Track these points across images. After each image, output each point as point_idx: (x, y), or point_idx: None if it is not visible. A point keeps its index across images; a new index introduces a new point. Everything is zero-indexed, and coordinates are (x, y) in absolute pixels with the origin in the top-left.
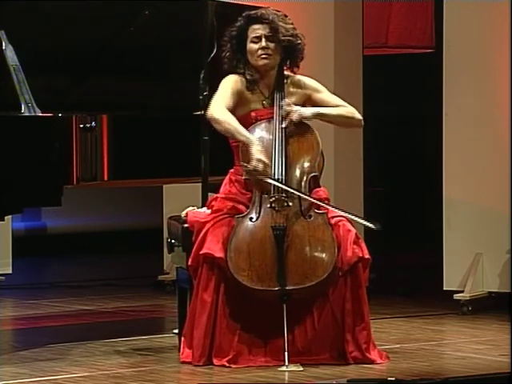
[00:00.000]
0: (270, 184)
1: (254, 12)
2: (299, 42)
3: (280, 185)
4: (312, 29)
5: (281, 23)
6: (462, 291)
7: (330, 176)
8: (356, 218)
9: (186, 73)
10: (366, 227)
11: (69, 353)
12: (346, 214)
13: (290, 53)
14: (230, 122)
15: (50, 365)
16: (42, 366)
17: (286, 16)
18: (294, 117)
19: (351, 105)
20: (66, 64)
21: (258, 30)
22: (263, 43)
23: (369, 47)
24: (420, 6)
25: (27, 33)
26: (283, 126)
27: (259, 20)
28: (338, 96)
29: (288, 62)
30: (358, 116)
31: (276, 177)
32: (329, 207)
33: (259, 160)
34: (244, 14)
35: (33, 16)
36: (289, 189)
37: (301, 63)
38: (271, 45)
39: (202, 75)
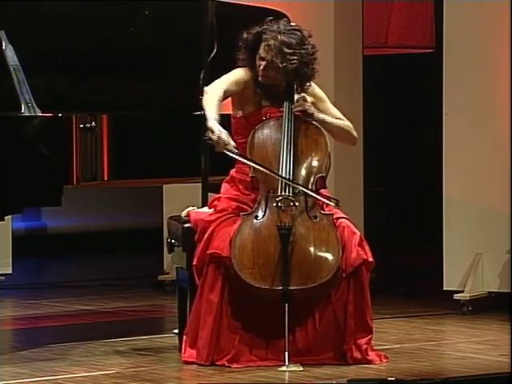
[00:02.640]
0: (277, 180)
1: (267, 32)
2: (298, 80)
3: (253, 164)
4: (312, 29)
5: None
6: (462, 291)
7: (330, 176)
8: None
9: (186, 73)
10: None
11: (69, 353)
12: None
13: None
14: (212, 98)
15: (49, 365)
16: (42, 365)
17: (302, 39)
18: (306, 107)
19: (351, 104)
20: (66, 64)
21: (264, 51)
22: (262, 67)
23: (369, 47)
24: (420, 6)
25: (27, 33)
26: (295, 110)
27: (267, 44)
28: (337, 96)
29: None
30: (355, 133)
31: (283, 175)
32: (318, 197)
33: (219, 130)
34: (264, 26)
35: (33, 16)
36: (271, 173)
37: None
38: (270, 71)
39: (201, 75)
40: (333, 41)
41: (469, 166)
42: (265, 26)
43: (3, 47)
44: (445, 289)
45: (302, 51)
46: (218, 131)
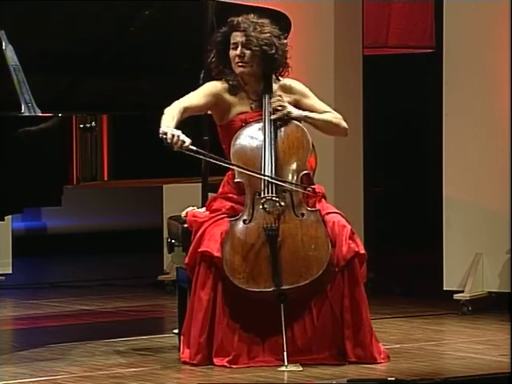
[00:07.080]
0: (261, 182)
1: (234, 19)
2: (273, 51)
3: (213, 161)
4: (312, 29)
5: (253, 33)
6: (462, 291)
7: (330, 176)
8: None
9: (185, 73)
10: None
11: (69, 353)
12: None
13: (267, 62)
14: (167, 114)
15: (49, 365)
16: (42, 365)
17: (270, 22)
18: (284, 111)
19: (351, 104)
20: (66, 64)
21: (236, 37)
22: (238, 51)
23: (369, 47)
24: (420, 6)
25: (27, 33)
26: (272, 117)
27: (237, 27)
28: (338, 96)
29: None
30: (344, 124)
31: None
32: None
33: (172, 130)
34: (228, 20)
35: (33, 16)
36: (239, 169)
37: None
38: (247, 52)
39: (201, 75)
40: (333, 41)
41: (469, 166)
42: (229, 20)
43: (3, 47)
44: (445, 289)
45: (272, 27)
46: (171, 130)
